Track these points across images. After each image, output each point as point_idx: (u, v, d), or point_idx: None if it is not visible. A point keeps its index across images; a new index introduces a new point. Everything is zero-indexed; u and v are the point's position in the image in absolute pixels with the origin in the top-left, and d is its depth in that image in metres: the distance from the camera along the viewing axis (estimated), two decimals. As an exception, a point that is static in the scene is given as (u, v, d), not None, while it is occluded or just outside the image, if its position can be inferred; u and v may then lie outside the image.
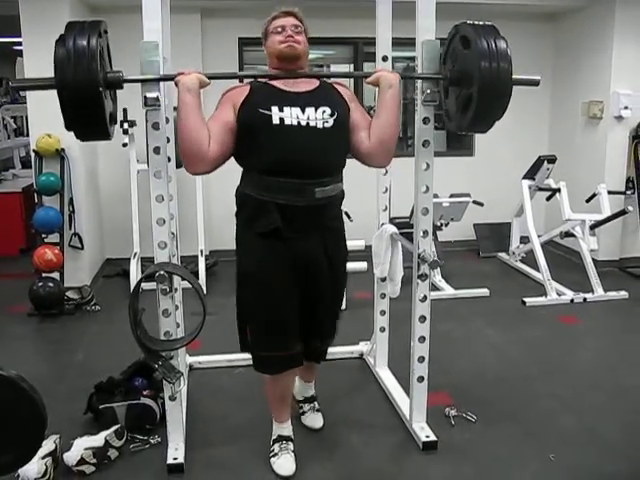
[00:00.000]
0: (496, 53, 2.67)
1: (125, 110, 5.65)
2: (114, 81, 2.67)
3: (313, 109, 2.69)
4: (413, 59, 2.99)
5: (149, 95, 2.65)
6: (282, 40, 2.77)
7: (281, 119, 2.64)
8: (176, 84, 2.64)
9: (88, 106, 2.49)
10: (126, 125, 5.68)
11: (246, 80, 2.96)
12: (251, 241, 2.81)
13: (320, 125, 2.68)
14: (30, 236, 6.47)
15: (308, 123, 2.66)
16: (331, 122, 2.70)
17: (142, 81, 2.69)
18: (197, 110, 2.60)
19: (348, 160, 2.85)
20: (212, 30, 6.64)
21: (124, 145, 5.75)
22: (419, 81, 2.94)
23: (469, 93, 2.73)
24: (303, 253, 2.80)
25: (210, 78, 2.70)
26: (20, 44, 5.69)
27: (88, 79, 2.46)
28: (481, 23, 2.79)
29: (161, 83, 2.70)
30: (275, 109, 2.65)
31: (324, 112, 2.70)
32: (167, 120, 3.12)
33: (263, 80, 2.85)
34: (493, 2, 6.29)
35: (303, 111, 2.68)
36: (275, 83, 2.79)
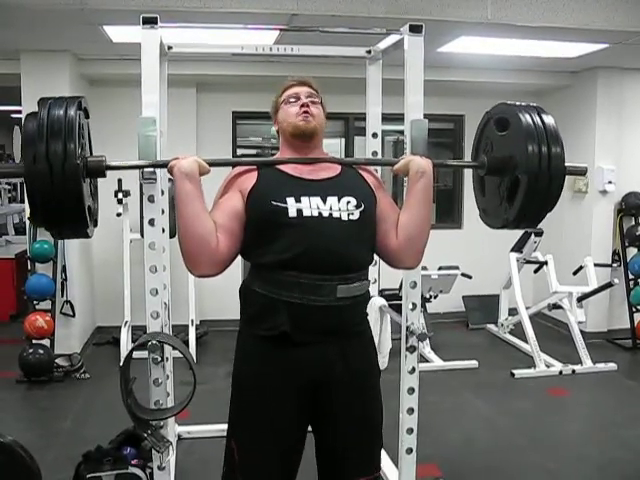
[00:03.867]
0: (544, 131, 2.39)
1: (120, 180, 5.75)
2: (95, 168, 2.31)
3: (336, 199, 2.24)
4: (403, 132, 3.03)
5: (146, 169, 2.71)
6: (297, 112, 2.35)
7: (299, 211, 2.19)
8: (170, 171, 2.28)
9: (65, 199, 2.09)
10: (120, 195, 5.77)
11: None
12: (252, 348, 2.32)
13: (345, 217, 2.22)
14: (21, 302, 6.48)
15: (331, 214, 2.21)
16: (357, 214, 2.24)
17: (129, 168, 2.57)
18: (199, 200, 2.18)
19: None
20: (207, 103, 6.79)
21: (118, 215, 5.83)
22: (407, 148, 2.90)
23: (514, 179, 2.42)
24: (315, 369, 2.24)
25: (211, 165, 2.32)
26: (18, 112, 5.81)
27: (65, 163, 2.06)
28: (518, 103, 2.53)
29: (157, 154, 2.75)
30: (291, 200, 2.20)
31: (349, 203, 2.25)
32: (162, 192, 3.19)
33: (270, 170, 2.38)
34: (481, 80, 6.49)
35: (324, 201, 2.23)
36: (286, 168, 2.34)
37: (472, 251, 7.15)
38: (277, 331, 2.19)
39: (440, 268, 6.22)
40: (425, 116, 2.91)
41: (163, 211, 3.39)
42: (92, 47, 5.55)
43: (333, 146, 7.82)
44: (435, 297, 6.31)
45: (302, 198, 2.21)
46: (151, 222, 2.81)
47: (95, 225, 2.43)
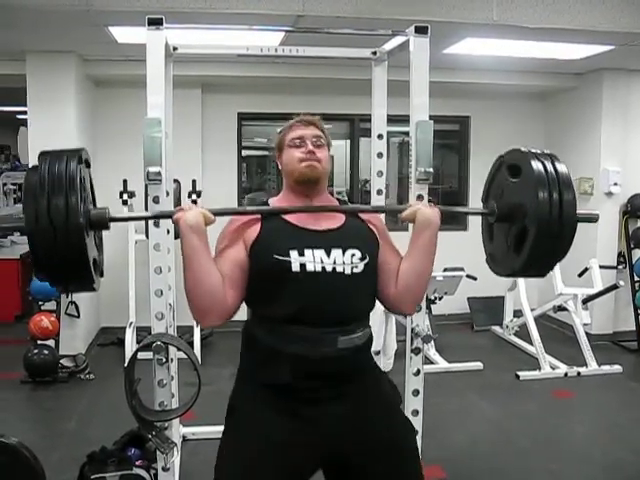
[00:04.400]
0: (556, 179, 2.31)
1: (125, 181, 5.77)
2: (98, 221, 2.25)
3: (340, 252, 2.18)
4: (408, 134, 3.02)
5: (151, 170, 2.71)
6: (302, 158, 2.26)
7: (302, 265, 2.13)
8: (175, 222, 2.20)
9: (68, 255, 2.03)
10: (125, 196, 5.78)
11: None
12: (249, 398, 2.23)
13: (348, 271, 2.17)
14: (26, 303, 6.50)
15: (334, 268, 2.15)
16: (361, 267, 2.19)
17: (134, 219, 2.52)
18: (207, 254, 2.14)
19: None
20: (212, 104, 6.79)
21: (123, 215, 5.83)
22: (413, 158, 2.90)
23: (522, 228, 2.36)
24: (321, 427, 2.13)
25: (216, 214, 2.23)
26: (23, 113, 5.82)
27: (67, 220, 2.00)
28: (533, 149, 2.46)
29: (162, 155, 2.74)
30: (294, 254, 2.13)
31: (353, 256, 2.19)
32: (167, 193, 3.19)
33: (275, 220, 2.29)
34: (486, 82, 6.48)
35: (328, 254, 2.16)
36: (290, 217, 2.27)
37: (477, 253, 7.01)
38: (280, 381, 2.13)
39: (445, 270, 6.21)
40: (430, 117, 2.90)
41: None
42: (97, 48, 5.55)
43: (338, 148, 7.83)
44: (440, 299, 6.29)
45: (306, 251, 2.15)
46: (156, 223, 2.81)
47: (101, 276, 2.37)
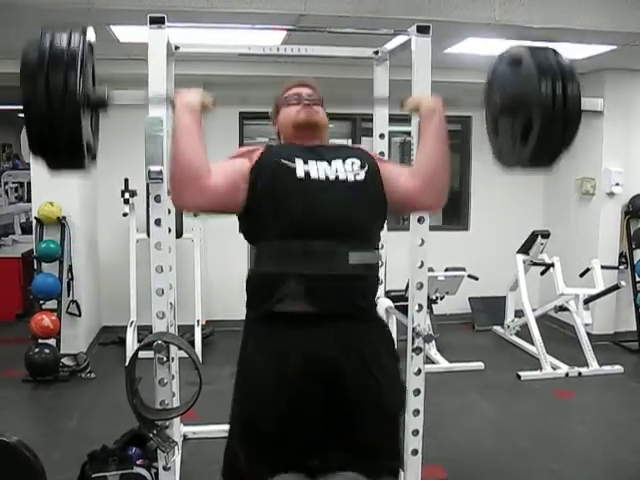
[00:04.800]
0: (557, 67, 2.24)
1: (126, 180, 5.77)
2: (98, 103, 2.22)
3: (341, 161, 2.22)
4: (410, 133, 3.03)
5: (153, 169, 2.72)
6: (299, 109, 2.34)
7: (306, 172, 2.15)
8: (173, 105, 2.24)
9: (62, 127, 1.97)
10: (127, 195, 5.79)
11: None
12: (261, 330, 2.22)
13: (351, 177, 2.19)
14: (27, 302, 6.50)
15: (337, 176, 2.17)
16: (363, 174, 2.21)
17: (134, 103, 2.51)
18: (197, 133, 2.15)
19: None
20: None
21: (124, 214, 5.84)
22: (415, 158, 2.90)
23: (527, 119, 2.29)
24: (325, 357, 2.12)
25: (216, 102, 2.31)
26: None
27: (65, 94, 1.94)
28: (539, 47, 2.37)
29: (164, 154, 2.74)
30: (299, 161, 2.17)
31: (353, 164, 2.22)
32: (168, 192, 3.18)
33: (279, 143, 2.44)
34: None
35: (330, 164, 2.20)
36: (294, 141, 2.34)
37: (478, 253, 7.13)
38: (292, 300, 2.09)
39: (446, 269, 6.20)
40: (432, 117, 2.90)
41: (169, 211, 3.39)
42: (99, 47, 5.46)
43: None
44: (441, 298, 6.30)
45: (309, 161, 2.19)
46: (157, 222, 2.81)
47: (94, 159, 2.30)
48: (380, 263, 2.34)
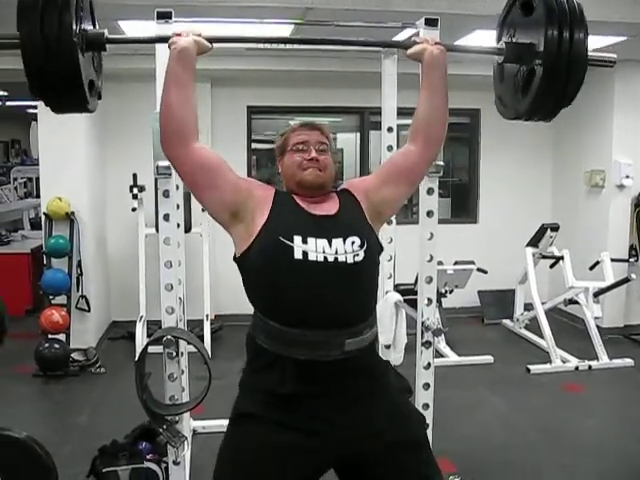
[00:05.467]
0: (567, 16, 2.15)
1: (135, 175, 5.77)
2: (95, 40, 2.20)
3: (341, 240, 2.10)
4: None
5: (161, 164, 2.71)
6: (305, 165, 2.20)
7: (304, 253, 2.05)
8: (169, 46, 2.17)
9: (58, 68, 1.97)
10: (135, 190, 5.79)
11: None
12: (251, 405, 2.13)
13: (350, 259, 2.08)
14: (37, 297, 6.52)
15: (336, 258, 2.07)
16: (362, 255, 2.10)
17: (130, 42, 2.46)
18: (188, 85, 2.10)
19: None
20: (221, 98, 6.78)
21: (133, 210, 5.85)
22: None
23: (530, 68, 2.25)
24: (327, 423, 2.04)
25: (212, 41, 2.21)
26: (34, 107, 5.83)
27: (60, 35, 1.94)
28: None
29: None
30: (298, 240, 2.06)
31: (353, 243, 2.11)
32: (177, 187, 3.19)
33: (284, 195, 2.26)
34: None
35: (330, 243, 2.08)
36: (297, 199, 2.22)
37: (488, 246, 7.12)
38: (283, 389, 2.04)
39: (456, 263, 6.20)
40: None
41: (178, 206, 3.39)
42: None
43: (348, 141, 7.81)
44: (450, 292, 6.29)
45: (309, 239, 2.07)
46: (166, 217, 2.81)
47: (99, 98, 2.34)
48: (375, 337, 2.21)
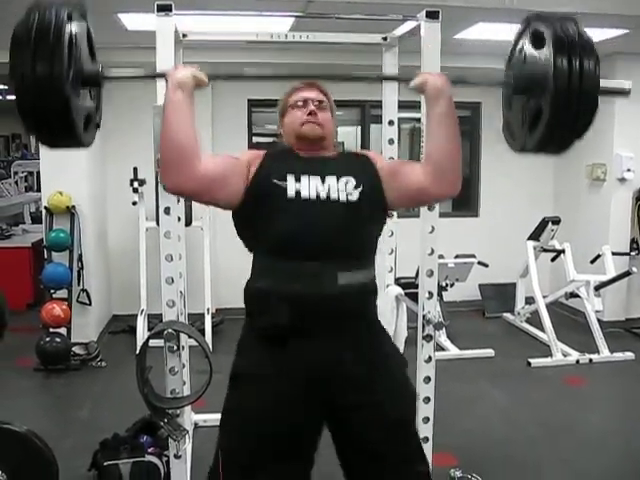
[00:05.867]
0: (577, 49, 2.07)
1: (135, 169, 5.76)
2: (90, 78, 2.16)
3: (334, 179, 2.16)
4: (419, 120, 3.00)
5: (161, 157, 2.70)
6: (303, 120, 2.28)
7: (297, 191, 2.11)
8: (166, 78, 2.16)
9: (49, 108, 1.95)
10: (136, 184, 5.78)
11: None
12: (252, 342, 2.22)
13: (343, 198, 2.13)
14: (38, 291, 6.52)
15: (329, 196, 2.12)
16: (356, 195, 2.15)
17: (127, 79, 2.49)
18: (187, 111, 2.07)
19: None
20: (222, 91, 6.76)
21: (134, 203, 5.84)
22: (425, 144, 2.85)
23: (538, 104, 2.16)
24: (319, 362, 2.09)
25: (210, 77, 2.18)
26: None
27: (50, 73, 1.90)
28: (558, 15, 2.20)
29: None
30: (291, 179, 2.13)
31: (347, 183, 2.16)
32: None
33: (279, 149, 2.40)
34: (498, 67, 6.40)
35: (323, 181, 2.15)
36: (294, 150, 2.31)
37: (489, 239, 7.11)
38: (277, 326, 2.08)
39: (457, 256, 6.20)
40: (442, 103, 2.87)
41: (179, 200, 3.38)
42: (106, 35, 5.46)
43: (349, 134, 7.79)
44: (451, 285, 6.29)
45: (302, 177, 2.15)
46: (167, 211, 2.81)
47: (98, 127, 2.32)
48: (374, 284, 2.25)
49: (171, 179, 2.10)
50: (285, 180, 2.13)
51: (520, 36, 2.35)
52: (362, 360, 2.14)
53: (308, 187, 2.13)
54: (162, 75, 2.21)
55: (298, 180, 2.14)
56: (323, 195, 2.13)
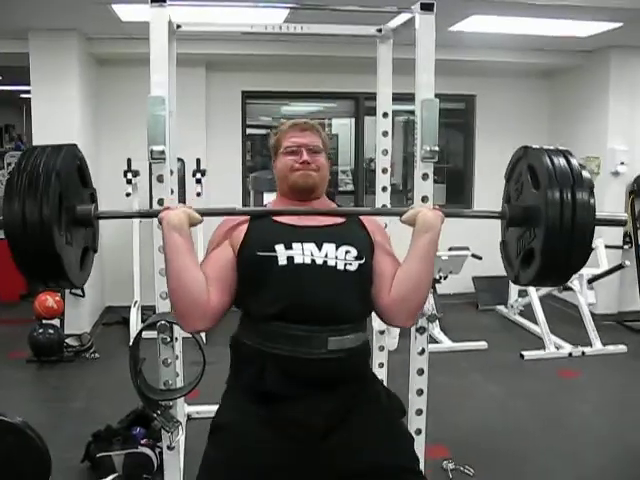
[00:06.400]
0: (569, 185, 2.09)
1: (129, 160, 5.75)
2: (83, 218, 2.26)
3: (333, 246, 2.05)
4: (414, 112, 2.99)
5: (155, 148, 2.69)
6: (296, 167, 2.19)
7: (289, 258, 2.01)
8: (160, 222, 2.12)
9: (39, 253, 2.00)
10: (130, 175, 5.78)
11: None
12: (235, 400, 2.15)
13: (341, 266, 2.03)
14: (31, 282, 6.50)
15: (325, 262, 2.02)
16: (355, 266, 2.05)
17: (119, 217, 2.64)
18: (188, 253, 2.03)
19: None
20: (216, 83, 6.75)
21: (127, 194, 5.84)
22: (419, 136, 2.79)
23: (530, 245, 2.18)
24: (307, 425, 1.97)
25: (203, 215, 2.19)
26: (27, 92, 5.81)
27: (41, 219, 1.97)
28: (553, 149, 2.22)
29: (166, 134, 2.72)
30: (280, 248, 2.02)
31: (348, 253, 2.06)
32: (171, 172, 3.17)
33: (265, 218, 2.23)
34: (492, 60, 6.42)
35: (319, 247, 2.04)
36: (281, 218, 2.18)
37: (482, 232, 7.09)
38: (262, 385, 1.99)
39: (450, 249, 6.21)
40: (436, 96, 2.84)
41: (172, 191, 3.38)
42: (101, 26, 5.52)
43: (343, 126, 7.79)
44: (445, 278, 6.29)
45: (294, 244, 2.03)
46: (160, 202, 2.79)
47: (95, 251, 2.44)
48: (367, 345, 2.16)
49: (188, 325, 2.06)
50: (273, 251, 2.02)
51: (517, 161, 2.38)
52: (350, 423, 2.03)
53: (302, 253, 2.03)
54: (155, 215, 2.23)
55: (289, 247, 2.03)
56: (319, 261, 2.02)
